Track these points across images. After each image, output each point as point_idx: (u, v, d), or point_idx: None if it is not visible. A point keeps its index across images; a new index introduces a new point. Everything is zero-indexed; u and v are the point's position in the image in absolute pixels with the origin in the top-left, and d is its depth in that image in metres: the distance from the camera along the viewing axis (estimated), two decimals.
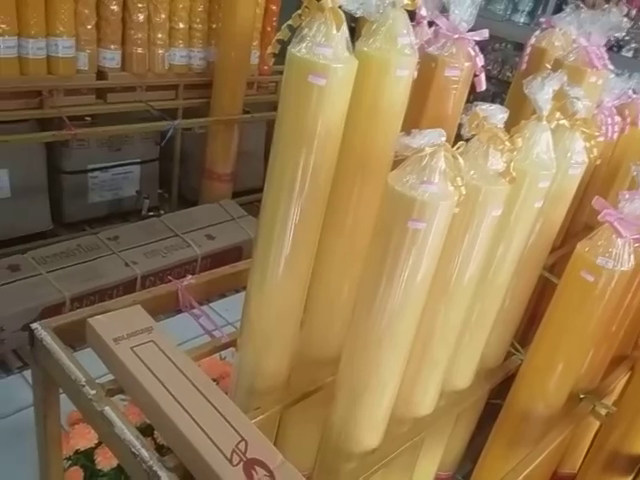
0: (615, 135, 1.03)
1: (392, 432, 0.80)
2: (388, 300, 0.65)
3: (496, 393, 1.02)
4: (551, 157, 0.78)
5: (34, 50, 1.68)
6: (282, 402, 0.82)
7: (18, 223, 1.93)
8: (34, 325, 0.78)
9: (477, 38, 0.79)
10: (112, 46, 1.86)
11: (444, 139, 0.60)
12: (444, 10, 0.82)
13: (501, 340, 0.97)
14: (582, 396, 0.95)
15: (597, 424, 1.05)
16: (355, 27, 0.77)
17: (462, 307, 0.78)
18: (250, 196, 2.47)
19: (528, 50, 1.11)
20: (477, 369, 0.93)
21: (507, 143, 0.67)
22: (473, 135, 0.69)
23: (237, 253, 2.10)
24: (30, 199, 1.95)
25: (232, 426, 0.67)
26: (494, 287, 0.84)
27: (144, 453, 0.65)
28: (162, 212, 2.23)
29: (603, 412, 0.95)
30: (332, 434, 0.78)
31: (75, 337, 0.80)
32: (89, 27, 1.78)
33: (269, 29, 2.27)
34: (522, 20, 3.11)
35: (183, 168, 2.30)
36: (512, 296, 0.91)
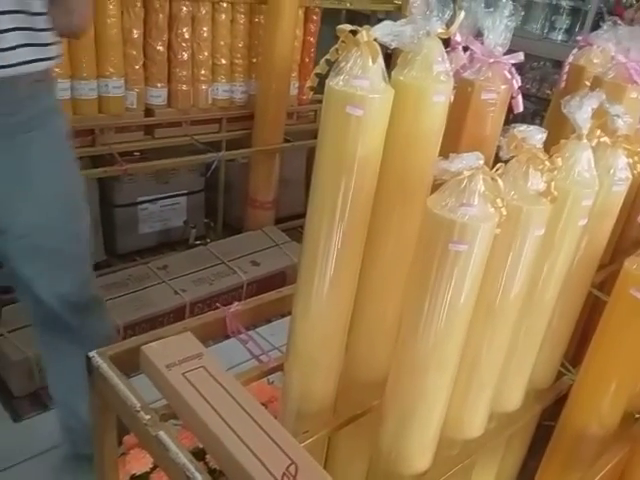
0: None
1: (442, 455, 0.80)
2: (432, 323, 0.66)
3: (548, 415, 1.00)
4: (593, 175, 0.77)
5: (86, 91, 1.78)
6: (330, 425, 0.83)
7: None
8: (91, 354, 0.82)
9: (513, 61, 0.80)
10: (158, 84, 1.94)
11: (482, 162, 0.61)
12: (479, 34, 0.83)
13: (551, 360, 0.96)
14: (638, 415, 0.92)
15: None
16: (391, 56, 0.79)
17: (508, 327, 0.77)
18: (292, 222, 2.51)
19: (566, 68, 1.11)
20: (527, 390, 0.92)
21: (547, 163, 0.68)
22: (512, 157, 0.70)
23: (281, 278, 2.14)
24: None
25: (282, 449, 0.68)
26: (540, 306, 0.83)
27: (198, 477, 0.66)
28: (208, 241, 2.29)
29: None
30: (381, 457, 0.78)
31: (129, 364, 0.84)
32: (137, 67, 1.87)
33: (307, 60, 2.33)
34: (559, 38, 3.09)
35: (227, 197, 2.36)
36: (560, 315, 0.90)
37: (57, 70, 1.68)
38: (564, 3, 3.05)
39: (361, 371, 0.85)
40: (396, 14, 2.62)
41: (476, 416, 0.83)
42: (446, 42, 0.76)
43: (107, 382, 0.78)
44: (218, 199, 2.34)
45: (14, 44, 0.91)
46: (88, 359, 0.82)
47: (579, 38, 1.16)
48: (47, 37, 0.96)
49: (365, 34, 0.62)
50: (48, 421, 1.42)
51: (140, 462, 1.07)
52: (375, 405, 0.83)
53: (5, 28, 0.89)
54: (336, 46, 0.65)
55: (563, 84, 1.12)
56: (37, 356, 1.46)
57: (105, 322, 1.29)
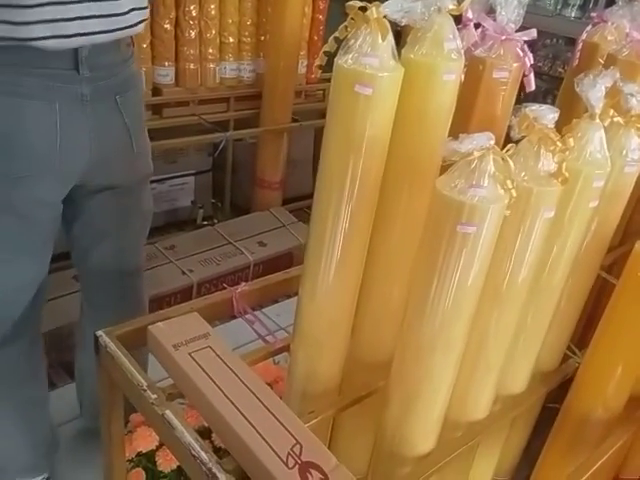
0: None
1: (446, 436, 0.80)
2: (439, 304, 0.66)
3: (553, 397, 1.00)
4: (605, 155, 0.76)
5: None
6: (335, 406, 0.83)
7: None
8: (99, 332, 0.83)
9: (525, 38, 0.78)
10: (166, 63, 1.92)
11: (493, 142, 0.60)
12: (491, 11, 0.81)
13: (557, 343, 0.95)
14: None
15: None
16: (401, 33, 0.78)
17: (516, 310, 0.77)
18: (299, 202, 2.49)
19: (580, 46, 1.09)
20: (533, 372, 0.92)
21: (559, 143, 0.67)
22: (523, 137, 0.69)
23: (288, 259, 2.13)
24: None
25: (287, 430, 0.68)
26: (549, 289, 0.83)
27: (203, 455, 0.67)
28: (216, 221, 2.29)
29: None
30: (386, 438, 0.79)
31: (137, 343, 0.84)
32: (144, 46, 1.84)
33: (316, 38, 2.29)
34: (573, 15, 3.02)
35: (235, 178, 2.35)
36: (568, 298, 0.89)
37: None
38: None
39: (367, 352, 0.85)
40: None
41: (481, 398, 0.83)
42: (457, 19, 0.75)
43: (114, 361, 0.79)
44: (225, 179, 2.33)
45: (128, 9, 0.97)
46: (96, 338, 0.83)
47: (593, 15, 1.14)
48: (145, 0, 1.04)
49: (375, 11, 0.61)
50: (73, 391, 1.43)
51: (146, 440, 1.08)
52: (380, 387, 0.83)
53: None
54: (345, 23, 0.64)
55: (576, 62, 1.09)
56: (70, 326, 1.48)
57: (144, 291, 1.33)
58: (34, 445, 1.21)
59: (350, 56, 0.64)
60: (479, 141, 0.60)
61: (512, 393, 0.90)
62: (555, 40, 2.99)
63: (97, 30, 0.94)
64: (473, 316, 0.70)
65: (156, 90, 1.95)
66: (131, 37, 1.06)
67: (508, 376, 0.87)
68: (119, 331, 0.83)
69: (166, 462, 1.06)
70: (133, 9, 0.98)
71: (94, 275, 1.22)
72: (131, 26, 0.99)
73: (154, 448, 1.08)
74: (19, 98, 0.93)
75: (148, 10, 1.05)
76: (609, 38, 1.06)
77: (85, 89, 0.96)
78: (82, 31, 0.92)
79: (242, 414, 0.69)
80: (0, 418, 1.16)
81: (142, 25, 1.04)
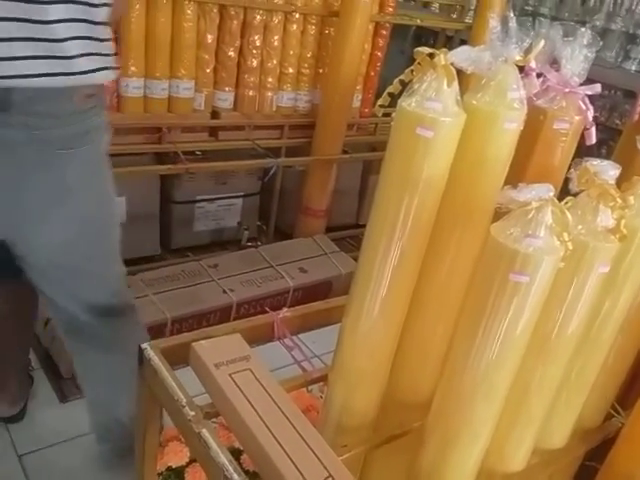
0: None
1: None
2: (485, 351, 0.65)
3: (592, 455, 0.97)
4: None
5: (158, 90, 1.84)
6: (369, 442, 0.82)
7: (130, 246, 2.06)
8: (144, 345, 0.85)
9: (589, 93, 0.78)
10: (227, 88, 1.99)
11: (552, 194, 0.60)
12: (553, 62, 0.82)
13: (601, 400, 0.92)
14: None
15: None
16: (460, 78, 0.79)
17: (562, 364, 0.75)
18: (343, 232, 2.52)
19: None
20: (574, 428, 0.89)
21: (618, 200, 0.66)
22: (581, 190, 0.68)
23: (327, 287, 2.14)
24: (143, 225, 2.10)
25: (320, 461, 0.69)
26: (597, 345, 0.81)
27: (236, 478, 0.68)
28: (259, 243, 2.32)
29: None
30: None
31: (177, 358, 0.86)
32: (207, 71, 1.92)
33: (372, 74, 2.34)
34: (634, 68, 2.99)
35: (281, 203, 2.39)
36: (616, 355, 0.87)
37: (133, 69, 1.76)
38: None
39: (405, 391, 0.85)
40: (465, 32, 2.61)
41: (519, 450, 0.81)
42: (520, 67, 0.76)
43: (157, 375, 0.81)
44: (272, 203, 2.38)
45: (76, 53, 0.88)
46: (140, 350, 0.85)
47: None
48: (109, 47, 0.95)
49: (442, 58, 0.63)
50: None
51: (177, 455, 1.09)
52: (416, 427, 0.82)
53: (68, 36, 0.87)
54: (412, 67, 0.65)
55: (636, 117, 1.08)
56: None
57: (136, 331, 1.23)
58: None
59: (414, 99, 0.65)
60: (538, 192, 0.60)
61: (551, 448, 0.88)
62: (614, 92, 2.96)
63: (34, 73, 0.85)
64: (518, 366, 0.69)
65: (215, 113, 2.01)
66: (98, 88, 0.96)
67: (548, 430, 0.85)
68: (163, 345, 0.85)
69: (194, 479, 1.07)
70: (84, 54, 0.89)
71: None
72: (82, 73, 0.89)
73: (184, 464, 1.09)
74: None
75: (111, 59, 0.95)
76: None
77: (17, 135, 0.87)
78: (12, 73, 0.83)
79: (277, 440, 0.70)
80: None
81: (102, 74, 0.93)
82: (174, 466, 1.10)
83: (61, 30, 0.86)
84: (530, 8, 3.55)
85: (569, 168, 0.74)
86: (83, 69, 0.89)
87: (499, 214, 0.66)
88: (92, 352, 1.16)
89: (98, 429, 1.29)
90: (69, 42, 0.87)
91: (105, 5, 0.91)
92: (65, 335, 1.19)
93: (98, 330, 1.13)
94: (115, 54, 0.97)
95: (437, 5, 3.75)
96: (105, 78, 0.94)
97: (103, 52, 0.93)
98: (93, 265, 1.09)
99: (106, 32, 0.94)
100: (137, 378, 0.87)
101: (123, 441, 1.21)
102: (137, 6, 1.70)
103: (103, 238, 1.10)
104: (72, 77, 0.88)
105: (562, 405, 0.83)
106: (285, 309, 0.98)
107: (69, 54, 0.87)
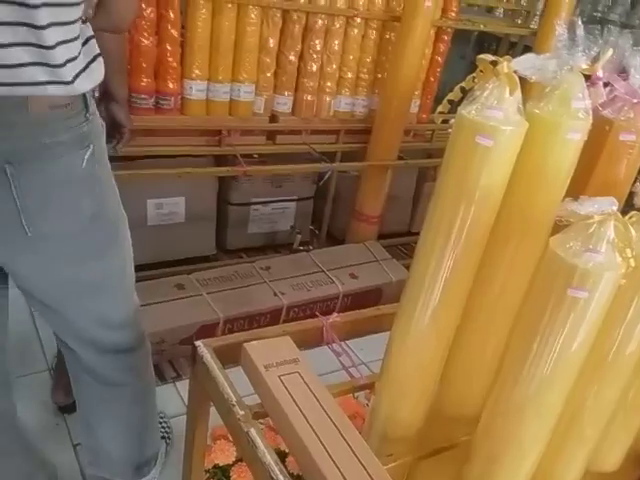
0: None
1: None
2: (538, 368, 0.63)
3: None
4: None
5: (220, 94, 1.87)
6: (414, 453, 0.82)
7: (187, 246, 2.14)
8: (197, 343, 0.87)
9: None
10: (286, 92, 2.01)
11: (615, 208, 0.58)
12: (622, 71, 0.79)
13: None
14: None
15: None
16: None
17: (618, 384, 0.73)
18: (395, 239, 2.50)
19: None
20: (628, 452, 0.85)
21: None
22: None
23: (377, 294, 2.13)
24: (200, 225, 2.14)
25: (365, 469, 0.68)
26: None
27: (281, 479, 0.68)
28: (311, 247, 2.34)
29: None
30: None
31: (228, 357, 0.87)
32: (268, 75, 1.94)
33: (432, 79, 2.31)
34: None
35: (334, 207, 2.40)
36: None
37: (197, 72, 1.80)
38: None
39: (453, 404, 0.84)
40: (530, 38, 2.54)
41: (570, 471, 0.78)
42: (586, 76, 0.73)
43: (209, 372, 0.82)
44: (325, 208, 2.39)
45: (25, 61, 0.78)
46: (194, 348, 0.87)
47: None
48: (60, 56, 0.80)
49: (506, 66, 0.62)
50: (165, 392, 1.53)
51: (225, 454, 1.11)
52: (463, 441, 0.80)
53: (6, 42, 0.76)
54: (473, 74, 0.65)
55: None
56: (163, 333, 1.59)
57: (141, 368, 1.17)
58: None
59: (475, 107, 0.64)
60: (601, 205, 0.58)
61: (604, 471, 0.84)
62: None
63: None
64: (572, 385, 0.67)
65: (273, 117, 2.04)
66: (75, 97, 0.85)
67: (601, 452, 0.82)
68: (215, 344, 0.87)
69: (240, 479, 1.09)
70: (36, 63, 0.78)
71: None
72: (34, 84, 0.79)
73: (231, 463, 1.11)
74: None
75: (65, 70, 0.81)
76: None
77: None
78: None
79: (323, 445, 0.70)
80: None
81: (56, 87, 0.81)
82: (221, 464, 1.12)
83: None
84: (599, 14, 3.44)
85: (634, 182, 0.72)
86: (35, 80, 0.79)
87: (558, 227, 0.64)
88: (95, 386, 1.12)
89: (87, 453, 1.26)
90: (12, 49, 0.77)
91: (45, 5, 0.76)
92: (75, 376, 1.15)
93: (102, 368, 1.10)
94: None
95: (501, 10, 3.68)
96: (55, 92, 0.81)
97: (52, 63, 0.79)
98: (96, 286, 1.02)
99: (56, 37, 0.79)
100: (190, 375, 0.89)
101: (110, 474, 1.21)
102: (203, 10, 1.74)
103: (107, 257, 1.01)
104: (22, 87, 0.78)
105: (617, 427, 0.80)
106: (335, 314, 0.98)
107: (15, 62, 0.77)
